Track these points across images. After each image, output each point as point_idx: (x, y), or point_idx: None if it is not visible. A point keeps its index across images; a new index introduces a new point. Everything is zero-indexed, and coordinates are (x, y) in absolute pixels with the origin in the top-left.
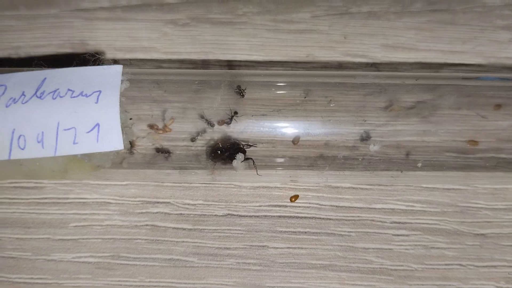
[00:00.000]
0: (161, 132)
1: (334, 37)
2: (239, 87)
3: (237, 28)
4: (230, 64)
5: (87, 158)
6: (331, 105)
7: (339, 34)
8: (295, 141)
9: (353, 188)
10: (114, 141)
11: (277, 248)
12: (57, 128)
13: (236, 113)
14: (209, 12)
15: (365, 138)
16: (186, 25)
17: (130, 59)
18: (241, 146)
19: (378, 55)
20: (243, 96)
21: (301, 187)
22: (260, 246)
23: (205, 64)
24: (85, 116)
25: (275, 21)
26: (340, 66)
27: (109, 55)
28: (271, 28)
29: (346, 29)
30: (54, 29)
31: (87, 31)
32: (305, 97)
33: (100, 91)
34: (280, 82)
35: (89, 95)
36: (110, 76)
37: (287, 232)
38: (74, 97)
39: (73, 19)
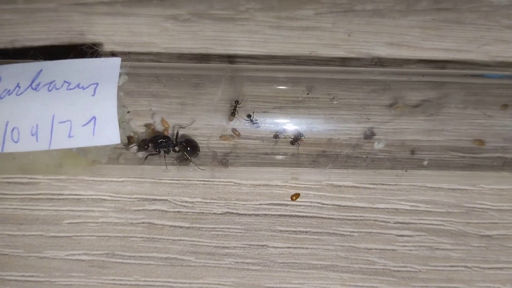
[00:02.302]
0: (159, 132)
1: (338, 35)
2: (236, 102)
3: (239, 24)
4: (231, 61)
5: (83, 152)
6: (334, 102)
7: (343, 31)
8: (300, 140)
9: (356, 187)
10: (110, 135)
11: (277, 247)
12: (52, 120)
13: (237, 102)
14: (210, 7)
15: (369, 135)
16: (187, 21)
17: (129, 52)
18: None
19: (383, 53)
20: (233, 115)
21: (303, 185)
22: (260, 245)
23: (205, 60)
24: (81, 109)
25: (278, 18)
26: (344, 63)
27: (108, 49)
28: (273, 25)
29: (350, 26)
30: (53, 23)
31: (86, 26)
32: (307, 94)
33: (97, 84)
34: (282, 78)
35: (86, 88)
36: (108, 69)
37: (287, 231)
38: (70, 89)
39: (71, 13)
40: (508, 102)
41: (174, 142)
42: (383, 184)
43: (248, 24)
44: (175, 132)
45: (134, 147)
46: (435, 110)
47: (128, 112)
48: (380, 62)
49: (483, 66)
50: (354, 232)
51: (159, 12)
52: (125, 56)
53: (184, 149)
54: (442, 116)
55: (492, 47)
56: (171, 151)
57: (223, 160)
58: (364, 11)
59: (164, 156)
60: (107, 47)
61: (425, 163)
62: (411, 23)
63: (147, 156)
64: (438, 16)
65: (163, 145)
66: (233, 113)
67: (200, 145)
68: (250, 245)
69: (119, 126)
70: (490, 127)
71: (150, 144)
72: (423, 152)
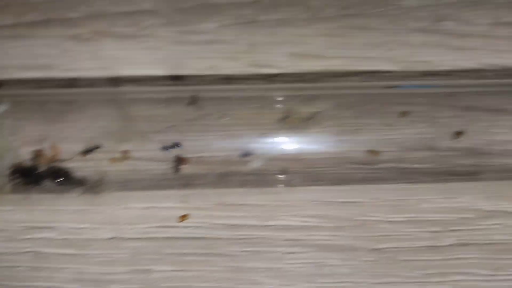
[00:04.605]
0: (49, 159)
1: (240, 47)
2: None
3: (140, 41)
4: (126, 80)
5: None
6: (225, 119)
7: (245, 43)
8: (187, 159)
9: (247, 205)
10: None
11: (162, 271)
12: None
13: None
14: (113, 25)
15: (246, 154)
16: (89, 40)
17: (3, 80)
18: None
19: (284, 64)
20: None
21: (193, 206)
22: (144, 270)
23: (100, 80)
24: None
25: (180, 33)
26: (244, 77)
27: (6, 75)
28: (175, 40)
29: (253, 38)
30: None
31: None
32: (196, 109)
33: None
34: (170, 98)
35: None
36: None
37: (174, 254)
38: None
39: None
40: (407, 110)
41: (43, 174)
42: (275, 201)
43: (149, 40)
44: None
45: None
46: (328, 122)
47: (9, 139)
48: (280, 75)
49: (387, 72)
50: (242, 251)
51: (60, 32)
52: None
53: (54, 180)
54: (336, 128)
55: (397, 52)
56: (41, 183)
57: (97, 185)
58: (269, 21)
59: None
60: (5, 72)
61: (315, 178)
62: (316, 31)
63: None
64: (344, 22)
65: (31, 179)
66: (85, 153)
67: (88, 169)
68: (135, 270)
69: (4, 154)
70: (387, 136)
71: (21, 177)
72: (316, 165)
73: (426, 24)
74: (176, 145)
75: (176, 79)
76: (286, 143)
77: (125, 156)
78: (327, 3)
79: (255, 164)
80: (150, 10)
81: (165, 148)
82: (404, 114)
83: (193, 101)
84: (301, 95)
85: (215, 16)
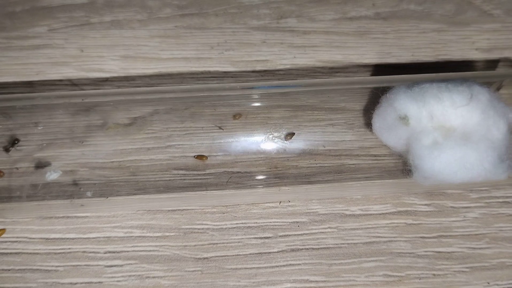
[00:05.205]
0: None
1: (70, 51)
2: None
3: None
4: None
5: None
6: (39, 128)
7: (75, 47)
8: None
9: (68, 217)
10: None
11: None
12: None
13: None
14: None
15: (43, 165)
16: None
17: None
18: None
19: (116, 68)
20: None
21: (10, 220)
22: None
23: None
24: None
25: (8, 38)
26: (72, 83)
27: None
28: (2, 46)
29: (85, 41)
30: None
31: None
32: None
33: None
34: None
35: None
36: None
37: None
38: None
39: None
40: (241, 111)
41: None
42: (97, 212)
43: None
44: None
45: None
46: (151, 127)
47: None
48: (109, 79)
49: (223, 73)
50: (60, 266)
51: None
52: None
53: None
54: (162, 133)
55: (235, 52)
56: None
57: None
58: (102, 23)
59: None
60: None
61: (143, 185)
62: (151, 32)
63: None
64: (181, 22)
65: None
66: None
67: None
68: None
69: None
70: (218, 141)
71: None
72: (142, 173)
73: (267, 22)
74: (16, 140)
75: None
76: (105, 152)
77: None
78: (165, 2)
79: (55, 175)
80: None
81: (6, 148)
82: (236, 116)
83: None
84: (124, 100)
85: (46, 20)
